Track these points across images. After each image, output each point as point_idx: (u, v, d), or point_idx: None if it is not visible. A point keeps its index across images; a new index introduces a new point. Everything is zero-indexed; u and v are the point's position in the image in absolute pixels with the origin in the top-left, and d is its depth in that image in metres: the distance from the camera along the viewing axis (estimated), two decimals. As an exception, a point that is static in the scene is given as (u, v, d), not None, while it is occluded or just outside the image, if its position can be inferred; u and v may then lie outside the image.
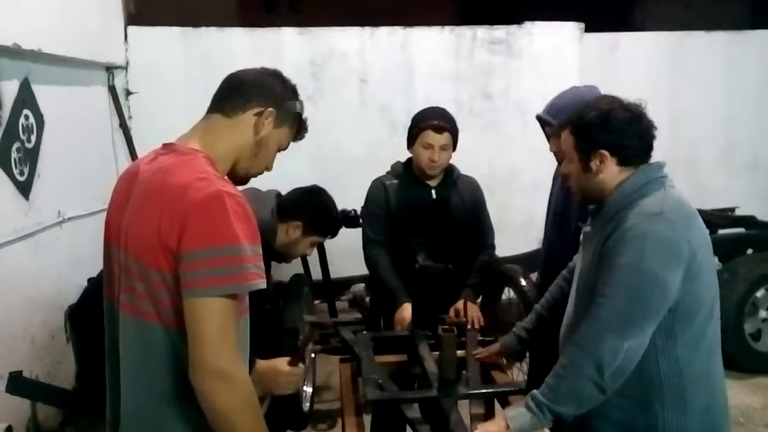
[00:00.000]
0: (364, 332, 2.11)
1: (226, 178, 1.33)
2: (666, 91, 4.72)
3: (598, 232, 1.52)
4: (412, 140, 2.44)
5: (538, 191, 4.73)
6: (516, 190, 4.61)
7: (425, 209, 2.44)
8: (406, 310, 2.28)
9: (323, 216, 2.20)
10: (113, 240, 1.33)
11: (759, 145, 4.92)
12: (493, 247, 2.59)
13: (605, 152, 1.49)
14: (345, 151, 4.39)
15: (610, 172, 1.51)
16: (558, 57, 4.51)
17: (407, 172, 2.51)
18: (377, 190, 2.52)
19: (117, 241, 1.30)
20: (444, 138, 2.39)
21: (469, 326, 2.21)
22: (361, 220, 2.61)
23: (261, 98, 1.36)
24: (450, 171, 2.51)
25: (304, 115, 1.47)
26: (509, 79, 4.56)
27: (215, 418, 1.18)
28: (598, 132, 1.49)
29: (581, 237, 1.67)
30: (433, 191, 2.47)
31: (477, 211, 2.55)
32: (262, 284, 1.21)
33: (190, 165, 1.26)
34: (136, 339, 1.26)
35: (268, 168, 1.44)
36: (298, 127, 1.46)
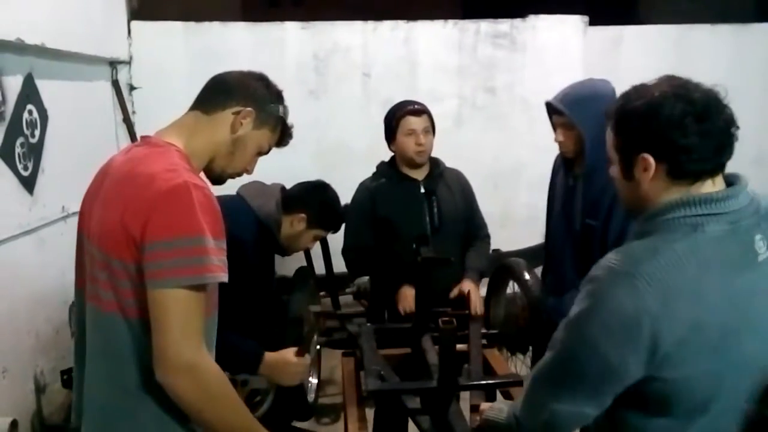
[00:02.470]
0: (368, 324, 2.12)
1: (201, 175, 1.33)
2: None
3: None
4: (392, 135, 2.45)
5: (543, 186, 4.69)
6: (521, 184, 4.59)
7: (415, 204, 2.44)
8: (408, 290, 2.30)
9: (327, 210, 2.22)
10: (84, 231, 1.33)
11: (764, 139, 4.89)
12: (488, 236, 2.60)
13: (649, 157, 1.09)
14: (348, 146, 4.39)
15: (656, 186, 1.11)
16: (562, 51, 4.48)
17: (393, 170, 2.51)
18: (361, 197, 2.52)
19: (87, 231, 1.31)
20: (424, 120, 2.41)
21: (470, 312, 2.22)
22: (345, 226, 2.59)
23: (241, 98, 1.37)
24: (435, 164, 2.52)
25: (289, 120, 1.46)
26: (513, 73, 4.54)
27: (187, 410, 1.19)
28: (642, 128, 1.09)
29: None
30: (421, 185, 2.48)
31: (467, 201, 2.55)
32: (223, 278, 1.20)
33: (161, 157, 1.26)
34: (97, 329, 1.26)
35: (248, 170, 1.45)
36: (282, 133, 1.46)
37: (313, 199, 2.19)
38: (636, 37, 4.82)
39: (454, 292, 2.38)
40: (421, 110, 2.41)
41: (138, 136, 4.04)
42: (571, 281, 2.10)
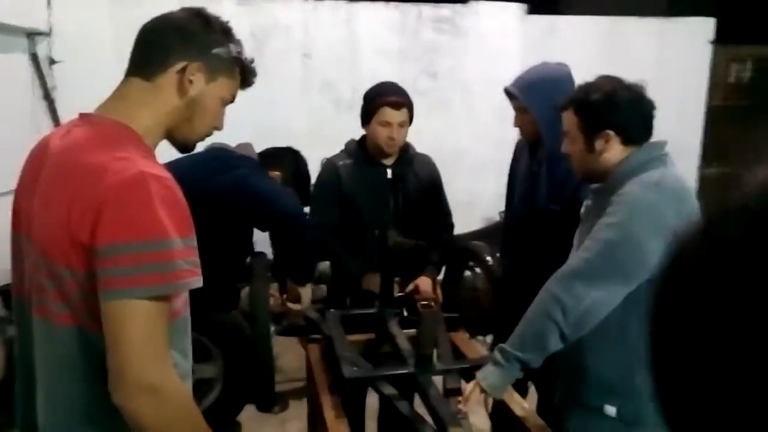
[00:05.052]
0: (332, 310, 2.05)
1: (154, 155, 1.13)
2: (601, 74, 4.85)
3: (597, 207, 1.55)
4: (367, 118, 2.34)
5: (482, 172, 4.76)
6: (461, 170, 4.62)
7: (380, 189, 2.38)
8: (374, 277, 2.24)
9: (301, 172, 2.34)
10: (23, 231, 1.14)
11: (681, 133, 5.15)
12: (452, 226, 2.58)
13: (611, 132, 1.51)
14: (288, 127, 4.24)
15: (614, 151, 1.53)
16: (502, 37, 4.54)
17: (361, 151, 2.42)
18: (328, 173, 2.40)
19: (27, 231, 1.12)
20: (402, 114, 2.32)
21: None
22: (309, 204, 2.52)
23: (182, 50, 1.13)
24: (405, 149, 2.45)
25: (245, 55, 1.22)
26: (454, 57, 4.55)
27: None
28: (605, 113, 1.51)
29: (582, 212, 1.69)
30: (389, 170, 2.41)
31: (434, 190, 2.51)
32: (196, 283, 1.05)
33: (108, 141, 1.07)
34: (49, 345, 1.10)
35: (217, 127, 1.23)
36: (243, 72, 1.21)
37: (289, 159, 2.31)
38: (570, 27, 4.94)
39: (410, 287, 2.34)
40: (400, 104, 2.29)
41: (59, 113, 3.79)
42: (529, 264, 2.12)
